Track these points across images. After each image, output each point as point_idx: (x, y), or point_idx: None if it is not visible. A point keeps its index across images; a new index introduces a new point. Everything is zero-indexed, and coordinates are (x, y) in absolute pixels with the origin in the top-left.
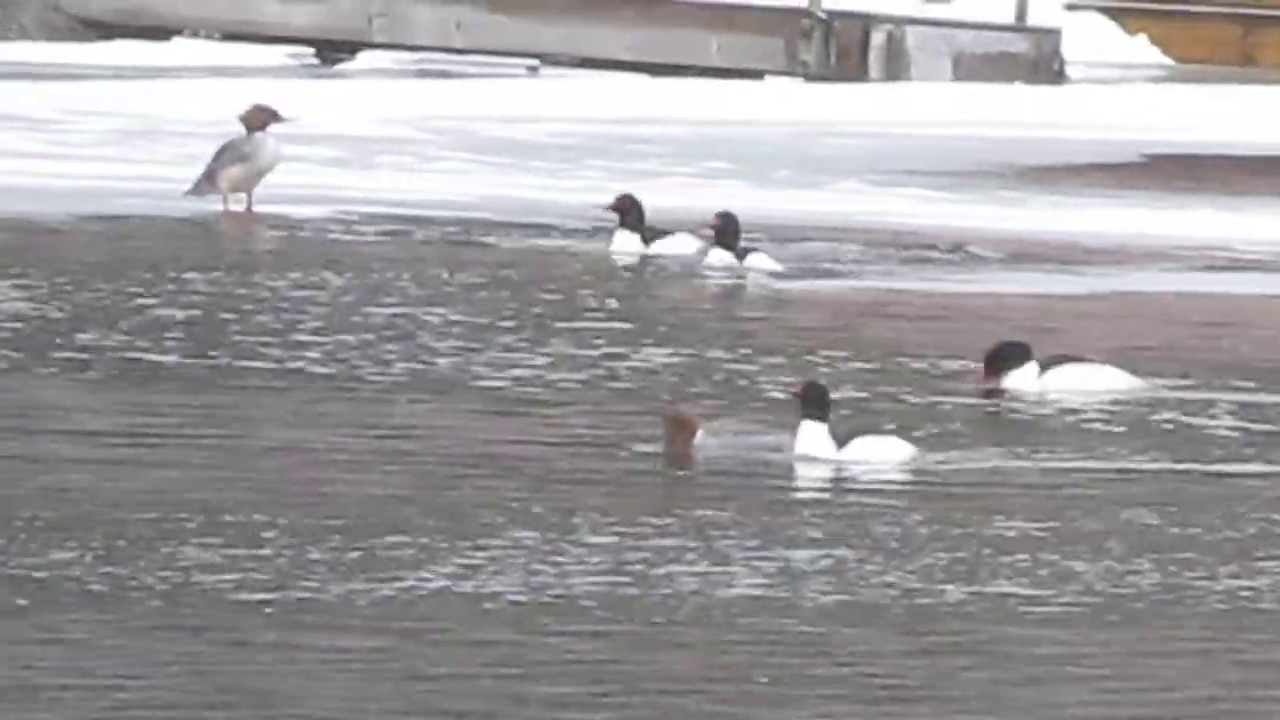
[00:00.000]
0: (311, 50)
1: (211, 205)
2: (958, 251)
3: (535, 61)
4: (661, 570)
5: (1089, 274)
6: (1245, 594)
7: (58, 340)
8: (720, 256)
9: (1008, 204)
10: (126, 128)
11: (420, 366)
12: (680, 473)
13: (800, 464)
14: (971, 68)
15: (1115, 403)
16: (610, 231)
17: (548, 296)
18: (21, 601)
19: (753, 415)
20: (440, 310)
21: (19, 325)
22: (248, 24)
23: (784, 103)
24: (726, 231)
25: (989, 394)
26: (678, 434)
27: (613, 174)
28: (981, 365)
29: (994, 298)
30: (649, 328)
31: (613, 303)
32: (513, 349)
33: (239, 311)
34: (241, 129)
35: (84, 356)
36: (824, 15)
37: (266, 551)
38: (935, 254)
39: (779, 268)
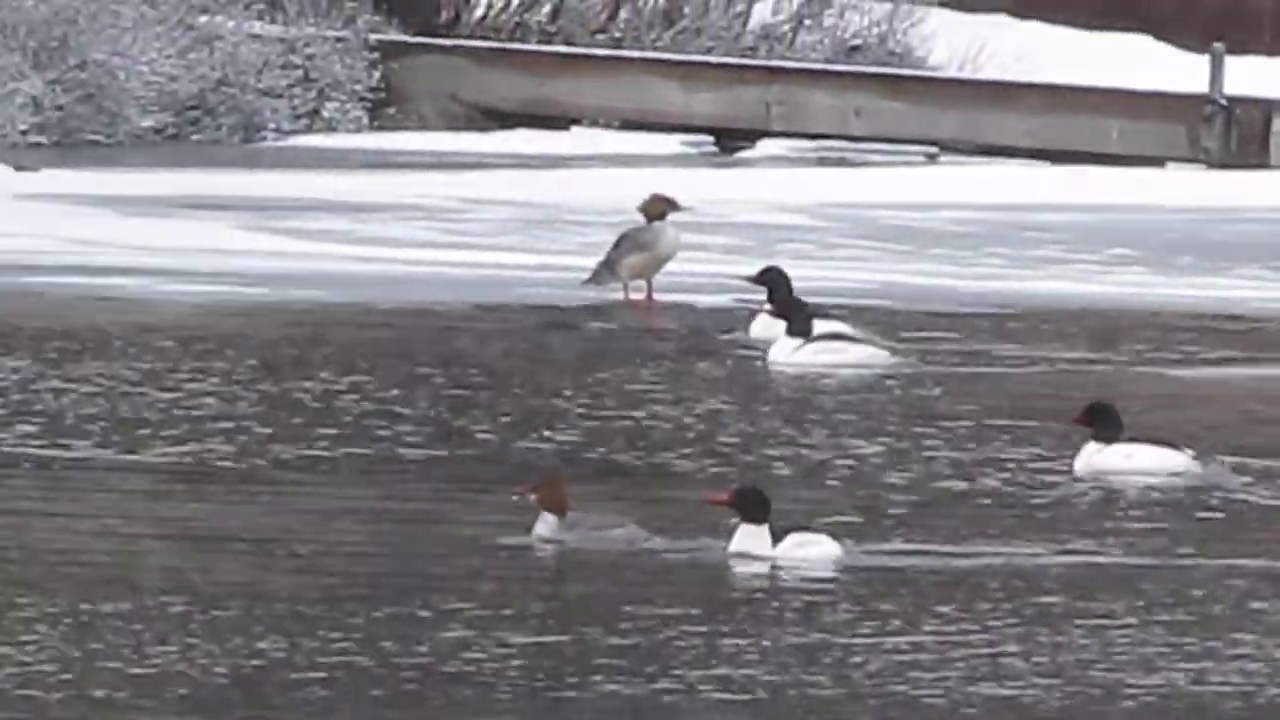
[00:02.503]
0: (710, 139)
1: (612, 294)
2: None
3: (934, 149)
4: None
5: None
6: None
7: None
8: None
9: None
10: (526, 216)
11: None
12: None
13: (735, 562)
14: None
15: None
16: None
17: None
18: None
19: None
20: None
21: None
22: (648, 113)
23: (1185, 189)
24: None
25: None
26: (554, 489)
27: (1012, 261)
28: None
29: None
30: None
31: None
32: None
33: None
34: (640, 219)
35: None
36: (1225, 102)
37: None
38: None
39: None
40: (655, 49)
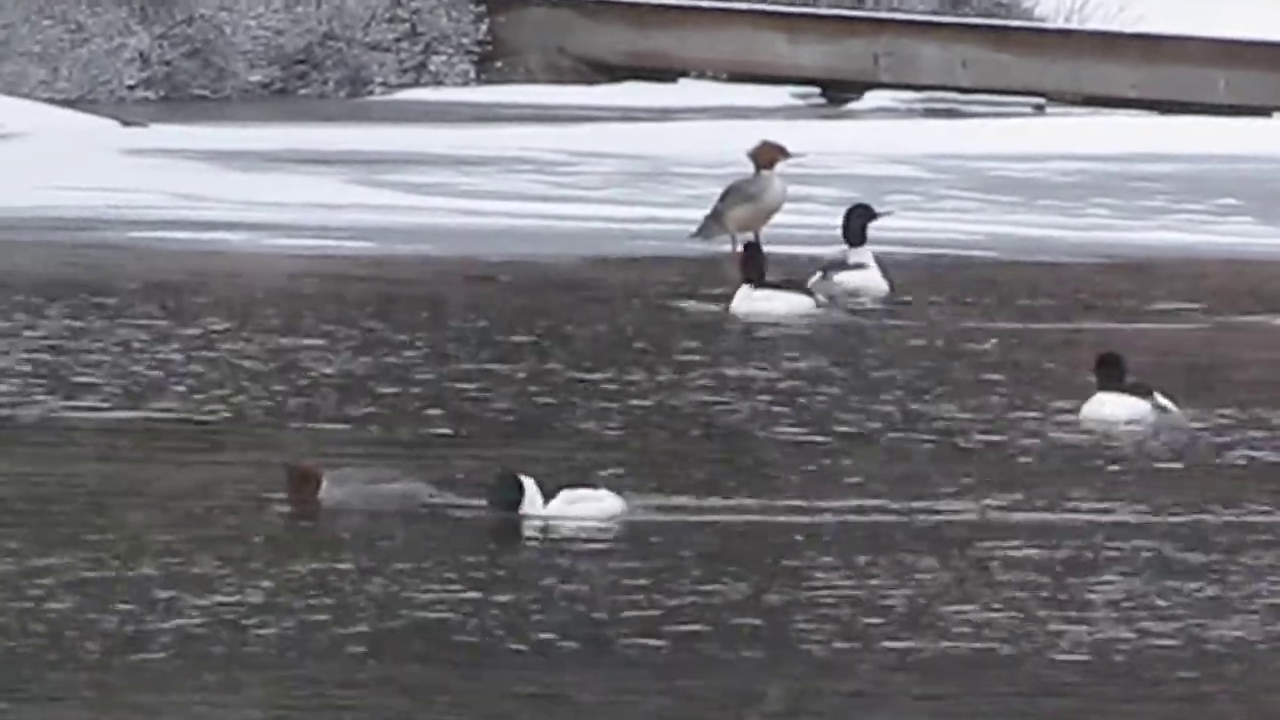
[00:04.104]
0: (818, 90)
1: (719, 246)
2: None
3: (1040, 99)
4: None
5: None
6: None
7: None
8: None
9: None
10: (633, 169)
11: None
12: (306, 524)
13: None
14: None
15: None
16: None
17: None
18: None
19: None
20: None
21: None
22: (755, 65)
23: None
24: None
25: None
26: (301, 487)
27: (1119, 211)
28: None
29: None
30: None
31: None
32: None
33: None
34: (749, 167)
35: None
36: None
37: None
38: None
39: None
40: (762, 0)
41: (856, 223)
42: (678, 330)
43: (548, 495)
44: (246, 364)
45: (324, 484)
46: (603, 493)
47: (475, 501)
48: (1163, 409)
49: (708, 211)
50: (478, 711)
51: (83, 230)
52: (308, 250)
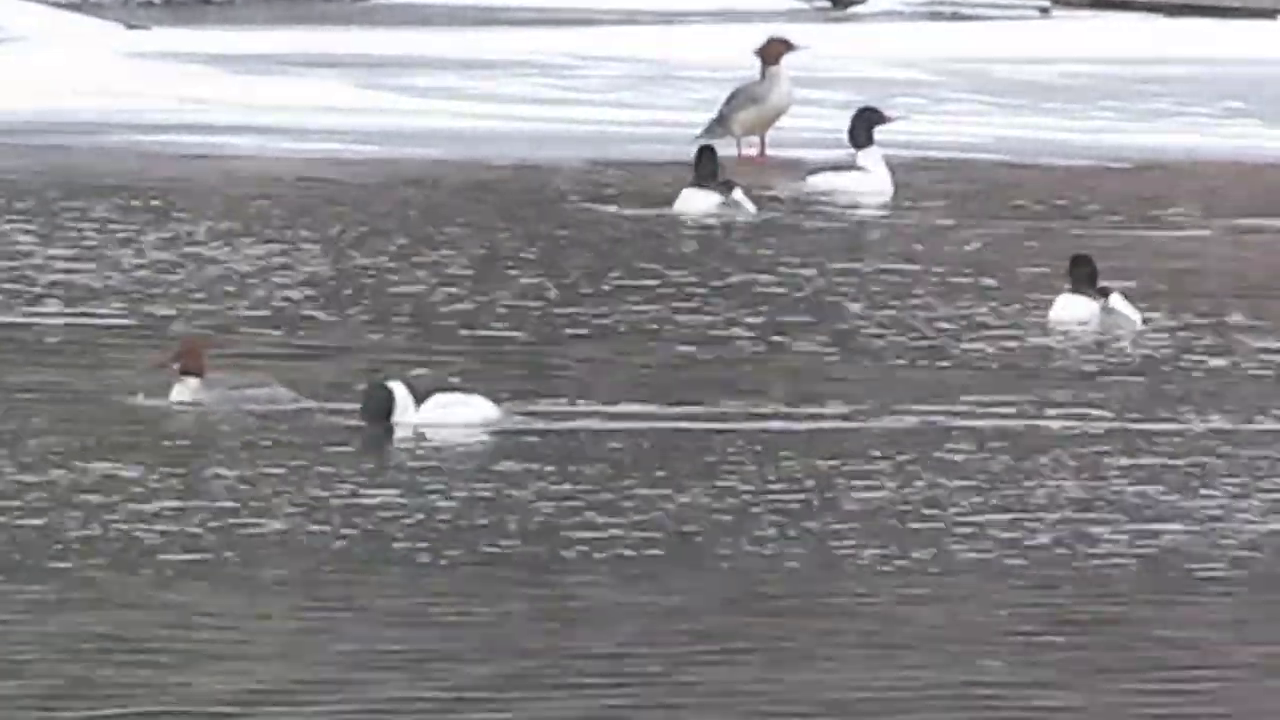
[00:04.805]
0: None
1: (725, 149)
2: None
3: (1047, 2)
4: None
5: None
6: None
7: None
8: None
9: None
10: (638, 73)
11: None
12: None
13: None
14: None
15: None
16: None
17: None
18: None
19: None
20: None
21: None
22: None
23: None
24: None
25: None
26: (185, 354)
27: (1125, 115)
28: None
29: None
30: None
31: None
32: None
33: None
34: (754, 71)
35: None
36: None
37: None
38: None
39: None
40: None
41: (861, 125)
42: (615, 235)
43: (420, 399)
44: (211, 270)
45: (197, 383)
46: (475, 398)
47: (347, 407)
48: (1110, 310)
49: (713, 115)
50: (316, 619)
51: (84, 134)
52: (314, 153)
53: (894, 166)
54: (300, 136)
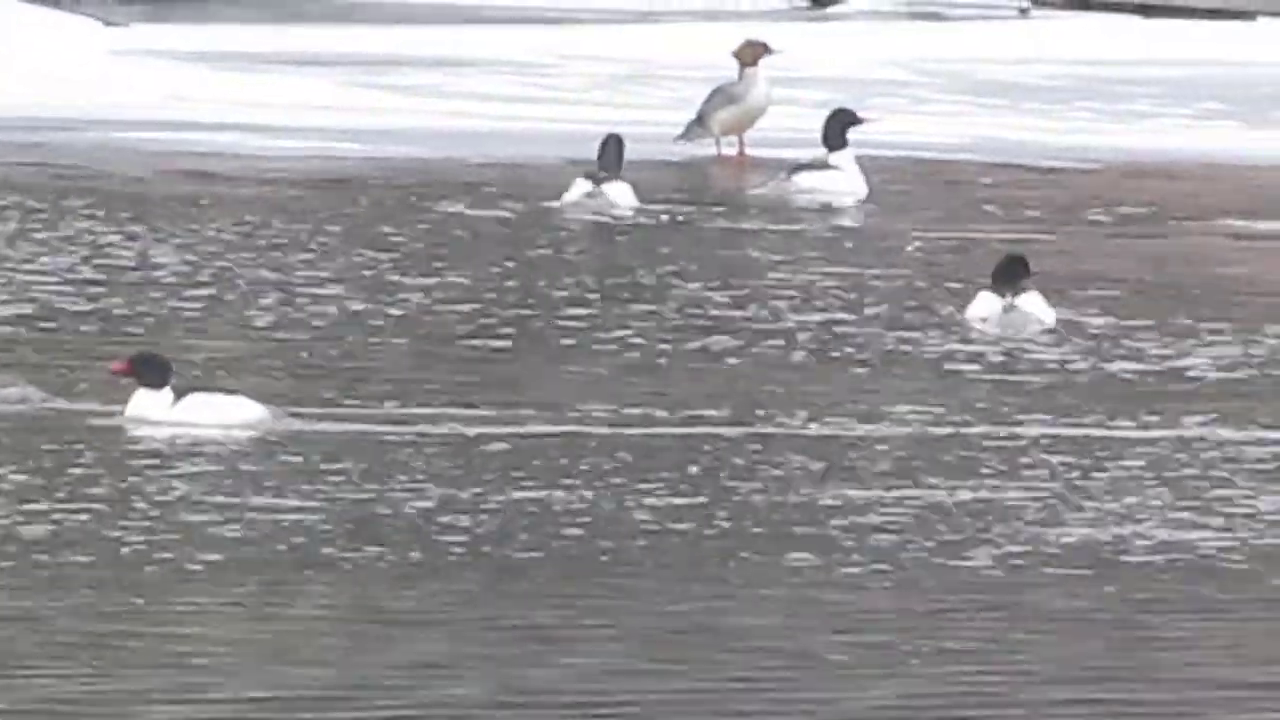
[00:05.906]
0: None
1: (704, 149)
2: None
3: (1026, 3)
4: None
5: None
6: None
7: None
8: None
9: None
10: (616, 72)
11: None
12: None
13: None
14: None
15: None
16: None
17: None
18: None
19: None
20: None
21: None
22: None
23: (1277, 42)
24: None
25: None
26: None
27: (1103, 115)
28: None
29: None
30: None
31: None
32: None
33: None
34: (732, 71)
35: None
36: None
37: None
38: None
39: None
40: None
41: (835, 126)
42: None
43: (180, 396)
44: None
45: None
46: (239, 399)
47: (98, 407)
48: (1011, 309)
49: (692, 115)
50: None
51: (64, 131)
52: (295, 151)
53: (868, 168)
54: (281, 134)
